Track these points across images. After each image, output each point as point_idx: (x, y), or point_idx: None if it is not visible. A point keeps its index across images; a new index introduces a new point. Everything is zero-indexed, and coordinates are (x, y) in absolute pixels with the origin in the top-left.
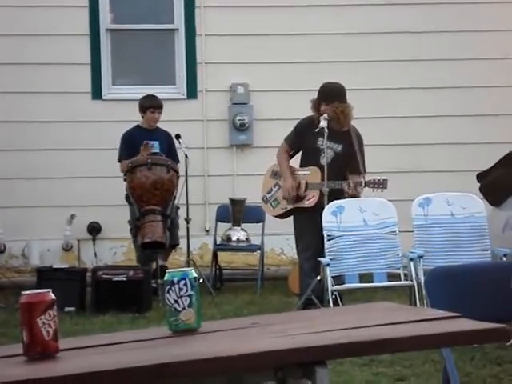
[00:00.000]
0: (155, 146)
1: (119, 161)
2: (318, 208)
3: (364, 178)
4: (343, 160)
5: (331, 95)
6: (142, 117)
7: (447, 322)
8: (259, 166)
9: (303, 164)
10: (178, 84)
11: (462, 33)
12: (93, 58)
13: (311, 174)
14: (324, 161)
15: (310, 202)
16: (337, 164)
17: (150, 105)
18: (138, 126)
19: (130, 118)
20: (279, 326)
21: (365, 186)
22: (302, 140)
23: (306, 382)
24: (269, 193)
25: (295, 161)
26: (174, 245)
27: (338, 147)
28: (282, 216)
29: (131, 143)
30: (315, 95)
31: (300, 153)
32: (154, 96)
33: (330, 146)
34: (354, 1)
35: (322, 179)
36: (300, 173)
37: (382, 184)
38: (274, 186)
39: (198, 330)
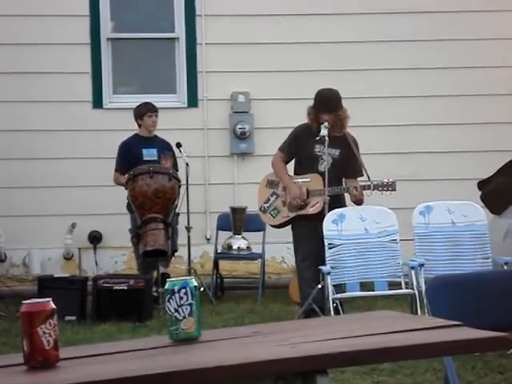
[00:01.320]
0: (153, 153)
1: (116, 171)
2: (320, 215)
3: (371, 181)
4: (341, 165)
5: (332, 105)
6: (139, 125)
7: (448, 330)
8: (260, 174)
9: (300, 172)
10: (179, 93)
11: (462, 41)
12: (94, 66)
13: (312, 181)
14: (323, 167)
15: (314, 208)
16: (336, 169)
17: (147, 109)
18: (136, 135)
19: (131, 127)
20: (280, 334)
21: (373, 190)
22: (297, 148)
23: None
24: (266, 202)
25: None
26: (173, 251)
27: (336, 152)
28: (283, 225)
29: (128, 153)
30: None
31: (293, 162)
32: (148, 102)
33: (328, 152)
34: (355, 10)
35: (324, 185)
36: (299, 180)
37: (390, 186)
38: (272, 196)
39: (199, 338)
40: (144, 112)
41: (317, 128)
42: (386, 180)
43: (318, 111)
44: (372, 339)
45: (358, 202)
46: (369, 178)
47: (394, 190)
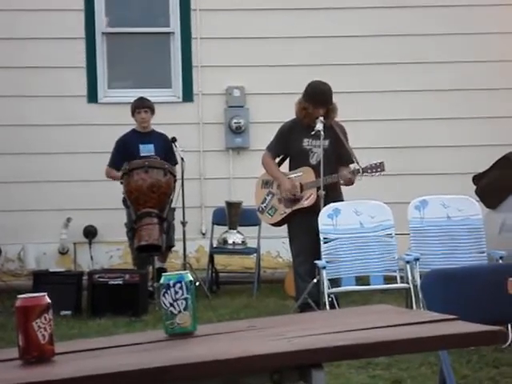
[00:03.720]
0: (150, 149)
1: (108, 166)
2: (315, 209)
3: (360, 165)
4: (332, 155)
5: (329, 99)
6: (136, 120)
7: (444, 324)
8: (255, 169)
9: (292, 168)
10: (174, 87)
11: (462, 35)
12: (88, 61)
13: (304, 175)
14: (314, 160)
15: (308, 201)
16: (327, 160)
17: (136, 106)
18: (133, 130)
19: (126, 122)
20: (276, 328)
21: (363, 173)
22: (285, 146)
23: None
24: (263, 203)
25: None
26: (170, 246)
27: (325, 143)
28: (282, 222)
29: (124, 148)
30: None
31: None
32: (141, 98)
33: (317, 145)
34: (351, 4)
35: (317, 177)
36: (292, 176)
37: (379, 167)
38: (268, 195)
39: (194, 333)
40: (133, 109)
41: (308, 122)
42: (374, 162)
43: (315, 105)
44: (368, 333)
45: (348, 182)
46: (357, 162)
47: (383, 170)
